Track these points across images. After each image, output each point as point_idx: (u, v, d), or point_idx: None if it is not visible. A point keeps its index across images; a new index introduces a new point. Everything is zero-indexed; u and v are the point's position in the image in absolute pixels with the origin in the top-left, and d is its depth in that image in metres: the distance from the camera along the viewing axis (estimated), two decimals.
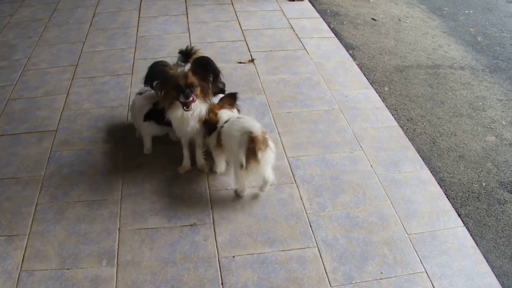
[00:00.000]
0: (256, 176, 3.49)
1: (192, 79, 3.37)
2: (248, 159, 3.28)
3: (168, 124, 3.66)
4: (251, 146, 3.26)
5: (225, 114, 3.61)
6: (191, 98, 3.36)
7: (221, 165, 3.78)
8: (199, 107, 3.47)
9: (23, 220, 3.44)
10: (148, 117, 3.76)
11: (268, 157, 3.38)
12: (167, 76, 3.40)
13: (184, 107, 3.40)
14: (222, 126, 3.50)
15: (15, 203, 3.59)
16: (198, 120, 3.56)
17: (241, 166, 3.29)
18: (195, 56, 3.94)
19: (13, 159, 4.00)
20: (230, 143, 3.43)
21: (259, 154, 3.28)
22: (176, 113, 3.48)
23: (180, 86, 3.34)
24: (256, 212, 3.47)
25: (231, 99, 3.72)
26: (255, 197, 3.60)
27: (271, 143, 3.42)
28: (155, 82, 3.49)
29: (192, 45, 4.01)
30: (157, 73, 3.42)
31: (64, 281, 3.01)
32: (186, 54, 3.96)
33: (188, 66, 3.78)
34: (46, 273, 3.07)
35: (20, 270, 3.10)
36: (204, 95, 3.48)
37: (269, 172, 3.47)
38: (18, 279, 3.04)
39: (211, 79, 3.50)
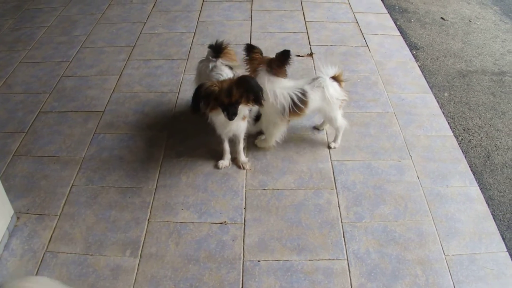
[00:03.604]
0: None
1: (236, 96, 3.26)
2: None
3: None
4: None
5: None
6: (235, 118, 3.31)
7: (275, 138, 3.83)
8: (242, 110, 3.38)
9: (56, 201, 3.48)
10: None
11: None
12: (212, 95, 3.27)
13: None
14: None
15: (51, 183, 3.63)
16: (241, 118, 3.49)
17: None
18: (225, 51, 3.84)
19: (56, 137, 4.04)
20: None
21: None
22: (220, 117, 3.41)
23: (224, 104, 3.27)
24: (290, 216, 3.36)
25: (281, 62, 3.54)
26: (292, 200, 3.49)
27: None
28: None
29: (224, 40, 3.86)
30: (202, 95, 3.28)
31: (85, 267, 3.02)
32: (216, 49, 3.85)
33: (219, 62, 3.74)
34: (69, 256, 3.09)
35: (45, 251, 3.14)
36: (247, 102, 3.37)
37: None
38: (42, 259, 3.07)
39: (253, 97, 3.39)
